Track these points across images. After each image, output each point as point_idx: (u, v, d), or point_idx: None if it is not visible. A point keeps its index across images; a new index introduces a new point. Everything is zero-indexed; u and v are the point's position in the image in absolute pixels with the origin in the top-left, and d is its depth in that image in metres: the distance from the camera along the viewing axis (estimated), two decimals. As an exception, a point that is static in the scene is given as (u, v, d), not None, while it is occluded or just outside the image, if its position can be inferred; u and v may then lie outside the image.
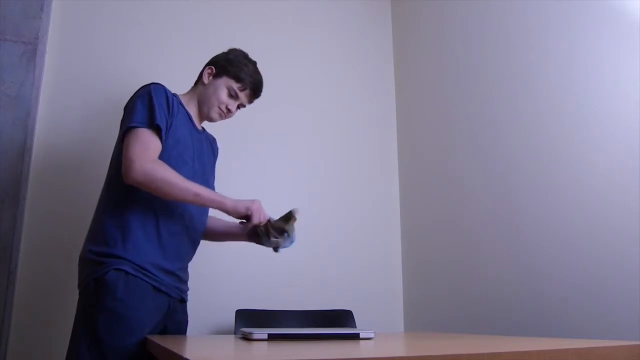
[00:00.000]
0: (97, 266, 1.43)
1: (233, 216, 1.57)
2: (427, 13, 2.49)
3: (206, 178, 1.68)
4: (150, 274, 1.47)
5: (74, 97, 2.06)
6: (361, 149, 2.52)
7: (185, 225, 1.58)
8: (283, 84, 2.42)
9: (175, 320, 1.59)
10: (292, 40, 2.49)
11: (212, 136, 1.83)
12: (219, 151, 1.87)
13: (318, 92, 2.50)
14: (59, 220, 1.94)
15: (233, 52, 1.74)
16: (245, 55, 1.74)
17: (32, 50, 1.99)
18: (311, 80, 2.50)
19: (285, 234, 1.59)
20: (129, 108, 1.55)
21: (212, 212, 1.71)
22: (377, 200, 2.50)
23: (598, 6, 1.66)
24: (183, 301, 1.63)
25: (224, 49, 1.78)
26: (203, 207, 1.65)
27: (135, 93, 1.58)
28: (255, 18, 2.42)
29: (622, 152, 1.54)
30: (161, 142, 1.50)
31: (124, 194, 1.50)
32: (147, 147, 1.46)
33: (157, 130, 1.49)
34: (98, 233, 1.48)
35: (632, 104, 1.53)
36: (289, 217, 1.62)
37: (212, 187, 1.73)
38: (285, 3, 2.51)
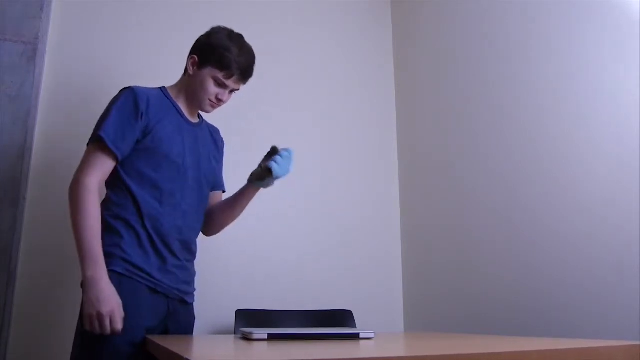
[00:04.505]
0: None
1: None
2: (427, 13, 2.49)
3: (202, 172, 1.65)
4: (145, 275, 1.47)
5: (74, 97, 2.06)
6: (361, 149, 2.52)
7: (180, 224, 1.57)
8: (283, 84, 2.42)
9: (176, 321, 1.58)
10: (292, 40, 2.49)
11: (214, 127, 1.81)
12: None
13: (318, 92, 2.50)
14: (59, 220, 1.94)
15: (214, 35, 1.63)
16: (228, 36, 1.61)
17: (32, 50, 1.99)
18: (311, 80, 2.50)
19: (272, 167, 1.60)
20: (102, 115, 1.53)
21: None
22: (377, 200, 2.50)
23: (598, 6, 1.66)
24: (185, 302, 1.61)
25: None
26: (199, 206, 1.64)
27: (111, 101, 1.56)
28: (255, 18, 2.42)
29: (622, 152, 1.54)
30: (117, 160, 1.49)
31: (120, 195, 1.51)
32: (94, 168, 1.46)
33: (112, 153, 1.48)
34: None
35: (633, 103, 1.53)
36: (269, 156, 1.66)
37: (211, 178, 1.71)
38: (285, 3, 2.51)
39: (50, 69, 2.05)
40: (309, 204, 2.35)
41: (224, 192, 1.85)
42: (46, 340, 1.85)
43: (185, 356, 0.91)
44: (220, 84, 1.61)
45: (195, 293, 1.68)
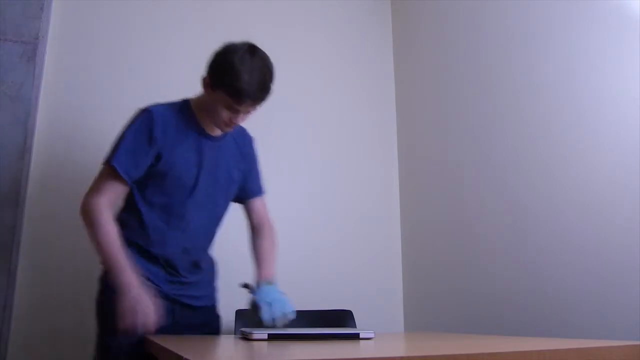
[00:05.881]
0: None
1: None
2: (427, 13, 2.49)
3: (218, 187, 1.62)
4: (153, 285, 1.48)
5: (74, 97, 2.06)
6: (361, 149, 2.52)
7: (188, 247, 1.58)
8: (283, 84, 2.40)
9: (182, 326, 1.57)
10: (292, 40, 2.49)
11: (238, 130, 1.68)
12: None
13: (318, 92, 2.50)
14: (59, 220, 1.94)
15: (223, 56, 1.51)
16: (240, 59, 1.47)
17: (32, 50, 1.99)
18: (311, 80, 2.49)
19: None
20: (117, 136, 1.53)
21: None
22: (377, 200, 2.49)
23: (599, 6, 1.66)
24: (192, 307, 1.60)
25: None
26: (209, 224, 1.64)
27: (129, 121, 1.55)
28: (255, 18, 2.42)
29: (622, 152, 1.54)
30: (127, 186, 1.51)
31: (129, 214, 1.54)
32: (104, 191, 1.49)
33: (123, 180, 1.49)
34: None
35: (634, 103, 1.53)
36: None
37: (230, 193, 1.68)
38: (284, 3, 2.51)
39: (50, 69, 2.05)
40: (309, 204, 2.35)
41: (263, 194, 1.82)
42: (46, 340, 1.85)
43: (185, 356, 0.91)
44: (233, 110, 1.51)
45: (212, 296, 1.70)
